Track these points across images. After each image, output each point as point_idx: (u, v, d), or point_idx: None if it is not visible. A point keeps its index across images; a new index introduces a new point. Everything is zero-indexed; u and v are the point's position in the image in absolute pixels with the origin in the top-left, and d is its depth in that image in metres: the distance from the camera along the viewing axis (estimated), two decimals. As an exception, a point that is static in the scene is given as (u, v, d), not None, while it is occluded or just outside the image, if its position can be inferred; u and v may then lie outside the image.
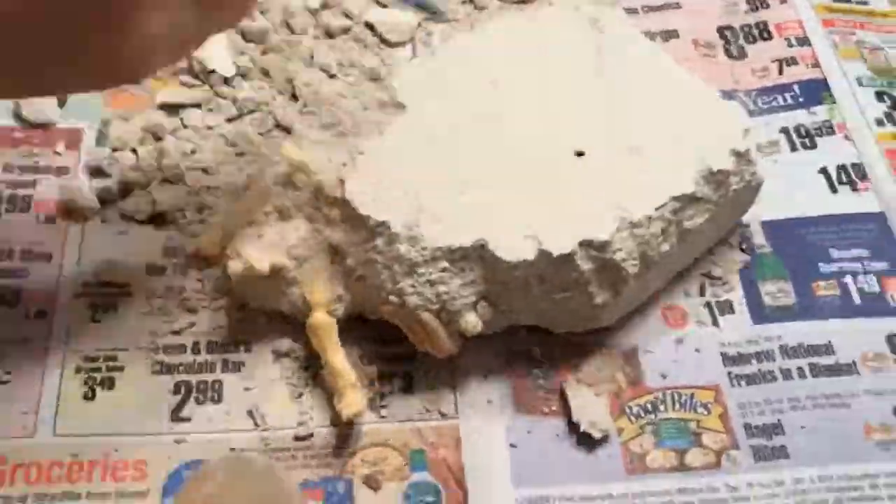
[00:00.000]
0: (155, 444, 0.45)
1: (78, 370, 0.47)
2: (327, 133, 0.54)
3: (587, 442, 0.47)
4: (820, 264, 0.54)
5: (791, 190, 0.57)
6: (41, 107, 0.55)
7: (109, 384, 0.46)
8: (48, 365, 0.46)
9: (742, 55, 0.64)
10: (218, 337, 0.48)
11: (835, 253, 0.54)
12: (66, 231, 0.51)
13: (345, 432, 0.46)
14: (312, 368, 0.48)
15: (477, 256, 0.46)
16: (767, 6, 0.66)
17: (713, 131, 0.51)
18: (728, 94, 0.61)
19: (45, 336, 0.47)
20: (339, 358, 0.46)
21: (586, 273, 0.46)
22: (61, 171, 0.53)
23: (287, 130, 0.55)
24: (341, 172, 0.48)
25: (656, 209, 0.47)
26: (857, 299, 0.53)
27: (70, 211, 0.51)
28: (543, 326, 0.50)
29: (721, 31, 0.65)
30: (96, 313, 0.48)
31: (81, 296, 0.49)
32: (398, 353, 0.49)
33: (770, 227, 0.56)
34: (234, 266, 0.46)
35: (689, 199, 0.49)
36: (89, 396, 0.46)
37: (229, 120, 0.56)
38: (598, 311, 0.48)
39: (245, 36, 0.59)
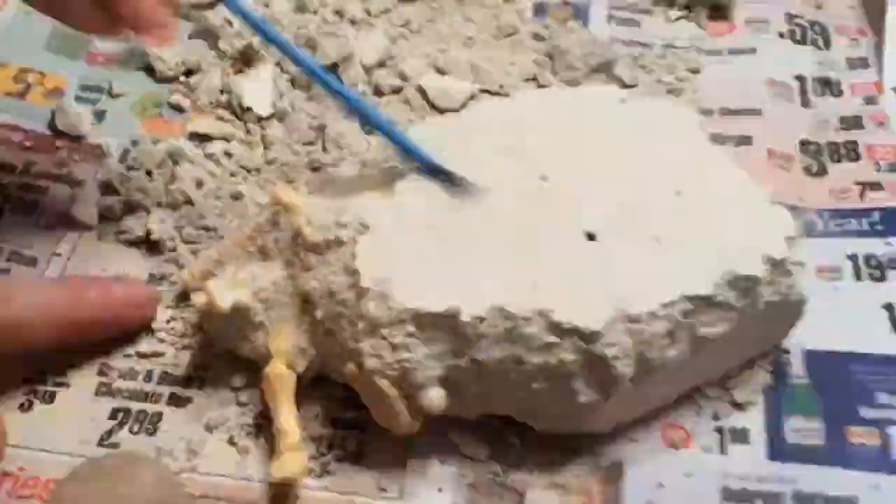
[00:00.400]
0: (72, 466, 0.42)
1: (25, 380, 0.45)
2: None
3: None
4: (861, 408, 0.46)
5: (847, 322, 0.50)
6: (77, 119, 0.55)
7: (50, 398, 0.44)
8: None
9: (822, 172, 0.58)
10: (173, 370, 0.46)
11: (882, 398, 0.47)
12: (59, 241, 0.50)
13: (278, 492, 0.42)
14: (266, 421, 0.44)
15: (448, 326, 0.41)
16: (862, 127, 0.60)
17: (750, 233, 0.45)
18: (793, 208, 0.54)
19: (5, 339, 0.46)
20: (285, 414, 0.43)
21: (569, 364, 0.41)
22: (75, 182, 0.53)
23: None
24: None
25: (662, 305, 0.42)
26: (898, 453, 0.45)
27: (69, 221, 0.51)
28: (521, 420, 0.44)
29: (803, 145, 0.59)
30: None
31: (52, 307, 0.47)
32: (356, 420, 0.45)
33: (813, 357, 0.49)
34: (197, 299, 0.44)
35: (706, 303, 0.43)
36: (26, 407, 0.44)
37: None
38: (584, 413, 0.43)
39: (294, 82, 0.59)
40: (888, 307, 0.51)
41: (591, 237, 0.45)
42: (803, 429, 0.46)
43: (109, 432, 0.44)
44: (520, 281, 0.42)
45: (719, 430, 0.46)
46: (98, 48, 0.60)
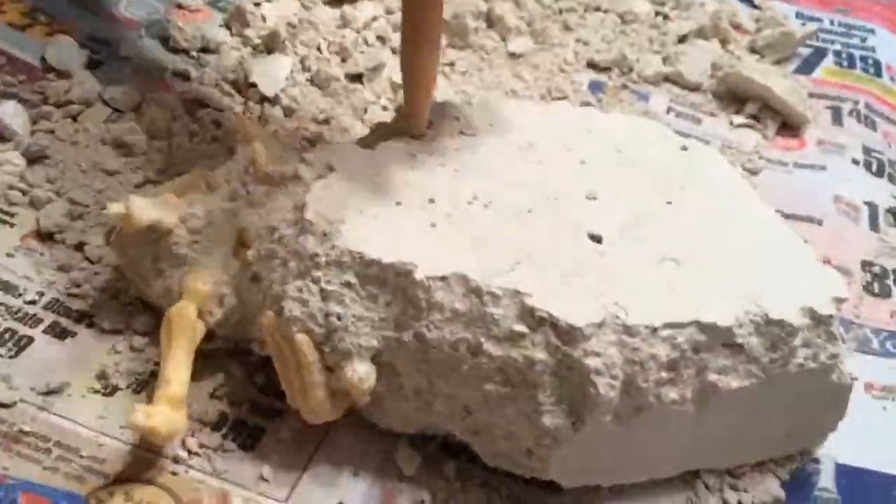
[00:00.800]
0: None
1: None
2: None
3: None
4: None
5: (892, 442, 0.41)
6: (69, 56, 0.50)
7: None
8: None
9: (885, 295, 0.49)
10: (66, 299, 0.38)
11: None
12: None
13: (137, 457, 0.33)
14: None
15: (397, 285, 0.33)
16: (936, 266, 0.52)
17: (792, 280, 0.37)
18: (846, 324, 0.46)
19: None
20: (176, 362, 0.34)
21: (538, 366, 0.32)
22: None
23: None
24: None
25: (667, 325, 0.33)
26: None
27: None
28: (466, 442, 0.35)
29: (866, 265, 0.51)
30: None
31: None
32: (266, 405, 0.36)
33: (847, 473, 0.40)
34: (113, 209, 0.37)
35: (723, 341, 0.34)
36: None
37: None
38: (546, 446, 0.33)
39: (312, 80, 0.54)
40: (946, 436, 0.41)
41: (595, 239, 0.37)
42: None
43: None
44: (500, 258, 0.34)
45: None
46: (120, 11, 0.56)
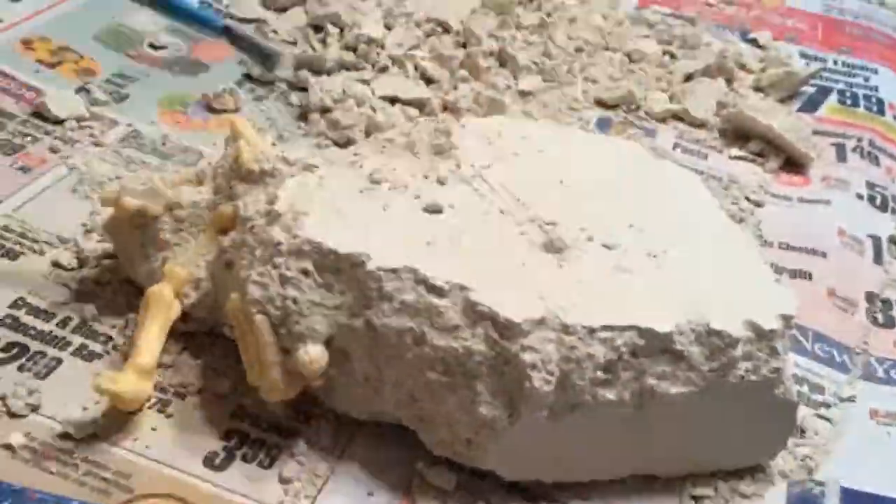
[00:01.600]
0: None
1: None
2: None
3: None
4: None
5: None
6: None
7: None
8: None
9: (888, 324, 0.50)
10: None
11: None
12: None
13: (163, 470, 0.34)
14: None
15: (350, 276, 0.34)
16: (940, 298, 0.53)
17: (739, 296, 0.37)
18: (851, 352, 0.47)
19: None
20: (149, 334, 0.36)
21: (476, 357, 0.33)
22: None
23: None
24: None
25: (605, 327, 0.34)
26: None
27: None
28: (412, 429, 0.36)
29: (870, 297, 0.52)
30: None
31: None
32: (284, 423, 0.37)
33: (850, 497, 0.40)
34: (105, 193, 0.39)
35: (662, 347, 0.35)
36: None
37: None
38: (485, 436, 0.34)
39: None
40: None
41: (555, 250, 0.37)
42: None
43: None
44: (454, 257, 0.35)
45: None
46: (144, 51, 0.58)
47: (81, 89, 0.53)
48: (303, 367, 0.34)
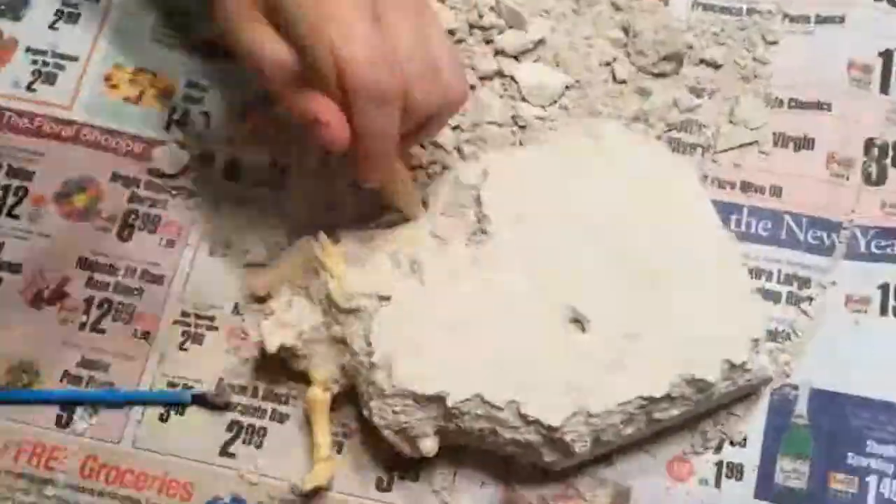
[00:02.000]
0: (202, 472, 0.55)
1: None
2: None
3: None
4: (849, 454, 0.52)
5: (859, 362, 0.53)
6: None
7: (181, 410, 0.57)
8: (141, 383, 0.57)
9: (881, 179, 0.58)
10: (269, 383, 0.56)
11: (871, 446, 0.52)
12: (180, 258, 0.60)
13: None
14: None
15: (437, 404, 0.50)
16: (935, 117, 0.59)
17: (717, 330, 0.50)
18: (836, 226, 0.57)
19: (144, 356, 0.58)
20: (319, 431, 0.54)
21: (535, 443, 0.50)
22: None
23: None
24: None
25: (619, 405, 0.49)
26: (871, 502, 0.52)
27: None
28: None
29: (868, 144, 0.60)
30: (185, 342, 0.58)
31: (178, 323, 0.58)
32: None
33: (818, 397, 0.53)
34: (253, 338, 0.55)
35: (662, 399, 0.50)
36: (164, 419, 0.57)
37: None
38: (555, 464, 0.52)
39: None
40: (903, 348, 0.54)
41: (578, 323, 0.51)
42: (792, 470, 0.52)
43: (229, 442, 0.56)
44: (500, 370, 0.50)
45: (718, 464, 0.54)
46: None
47: (171, 123, 0.62)
48: (426, 454, 0.51)
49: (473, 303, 0.52)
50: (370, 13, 0.43)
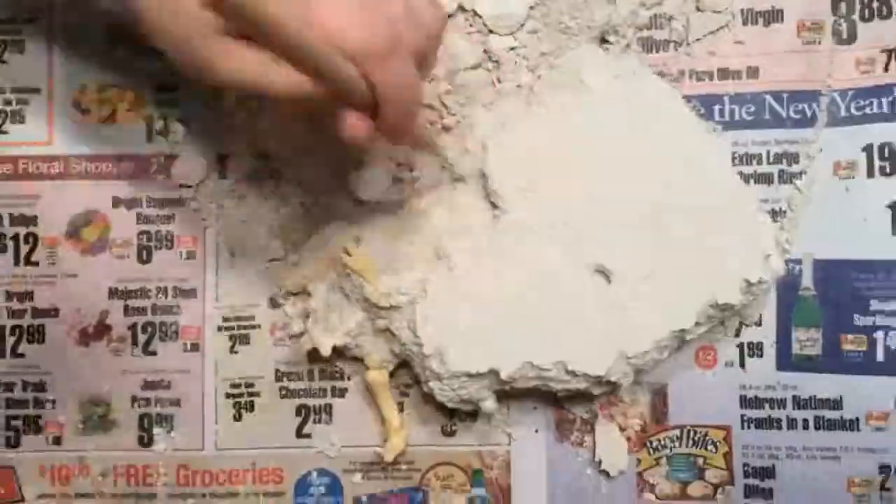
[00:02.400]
0: (286, 456, 0.62)
1: (227, 396, 0.62)
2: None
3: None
4: (856, 316, 0.57)
5: (854, 226, 0.57)
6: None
7: (250, 407, 0.62)
8: (206, 393, 0.62)
9: (851, 38, 0.59)
10: (322, 363, 0.61)
11: (874, 304, 0.57)
12: (205, 267, 0.63)
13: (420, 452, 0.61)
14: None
15: (491, 376, 0.56)
16: (905, -25, 0.58)
17: (730, 254, 0.54)
18: (815, 95, 0.59)
19: (200, 366, 0.62)
20: (385, 407, 0.60)
21: (583, 389, 0.56)
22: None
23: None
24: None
25: (654, 342, 0.54)
26: (880, 356, 0.57)
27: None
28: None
29: (836, 2, 0.60)
30: (234, 346, 0.62)
31: (222, 329, 0.62)
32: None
33: (821, 267, 0.57)
34: (305, 345, 0.58)
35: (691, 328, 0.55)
36: (237, 418, 0.62)
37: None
38: (602, 395, 0.59)
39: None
40: (893, 206, 0.57)
41: (603, 274, 0.55)
42: (807, 339, 0.58)
43: (301, 425, 0.62)
44: (542, 334, 0.55)
45: (739, 346, 0.60)
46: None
47: (153, 133, 0.61)
48: (487, 413, 0.57)
49: (502, 277, 0.55)
50: None
